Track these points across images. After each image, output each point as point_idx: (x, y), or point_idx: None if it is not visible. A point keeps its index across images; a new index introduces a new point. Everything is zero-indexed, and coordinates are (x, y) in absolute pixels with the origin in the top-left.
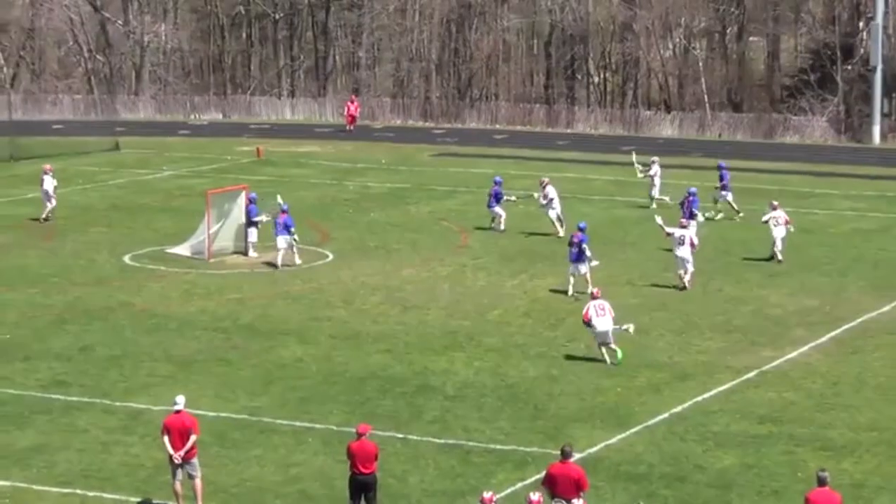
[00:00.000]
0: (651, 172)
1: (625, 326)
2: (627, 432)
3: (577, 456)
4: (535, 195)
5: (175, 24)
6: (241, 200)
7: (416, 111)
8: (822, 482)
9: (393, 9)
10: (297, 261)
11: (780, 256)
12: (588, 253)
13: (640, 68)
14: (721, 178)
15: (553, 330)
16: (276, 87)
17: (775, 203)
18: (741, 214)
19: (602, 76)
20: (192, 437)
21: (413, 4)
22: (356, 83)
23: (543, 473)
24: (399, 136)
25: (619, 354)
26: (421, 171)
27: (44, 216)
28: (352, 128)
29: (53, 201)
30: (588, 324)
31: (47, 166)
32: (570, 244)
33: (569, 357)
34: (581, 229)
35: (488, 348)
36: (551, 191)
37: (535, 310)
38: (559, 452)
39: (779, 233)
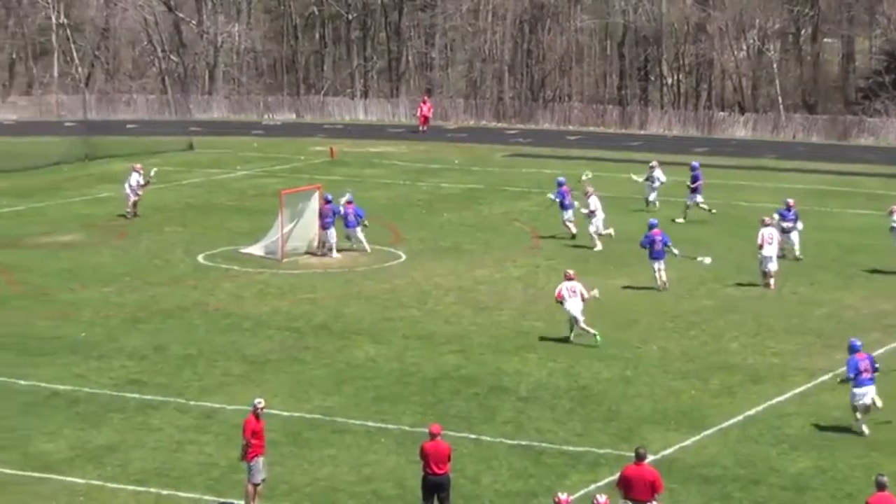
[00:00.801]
0: (654, 176)
1: (592, 292)
2: (701, 434)
3: (650, 458)
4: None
5: (248, 24)
6: (314, 201)
7: (489, 112)
8: (881, 487)
9: (466, 9)
10: (367, 248)
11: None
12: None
13: (713, 69)
14: (693, 180)
15: (625, 331)
16: (349, 87)
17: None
18: (714, 211)
19: (675, 77)
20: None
21: (486, 5)
22: (429, 84)
23: (617, 475)
24: (472, 136)
25: (598, 338)
26: (494, 171)
27: (127, 211)
28: (425, 128)
29: (138, 193)
30: (560, 303)
31: (137, 165)
32: (652, 242)
33: (642, 359)
34: (654, 226)
35: (561, 350)
36: (595, 202)
37: (607, 311)
38: (633, 454)
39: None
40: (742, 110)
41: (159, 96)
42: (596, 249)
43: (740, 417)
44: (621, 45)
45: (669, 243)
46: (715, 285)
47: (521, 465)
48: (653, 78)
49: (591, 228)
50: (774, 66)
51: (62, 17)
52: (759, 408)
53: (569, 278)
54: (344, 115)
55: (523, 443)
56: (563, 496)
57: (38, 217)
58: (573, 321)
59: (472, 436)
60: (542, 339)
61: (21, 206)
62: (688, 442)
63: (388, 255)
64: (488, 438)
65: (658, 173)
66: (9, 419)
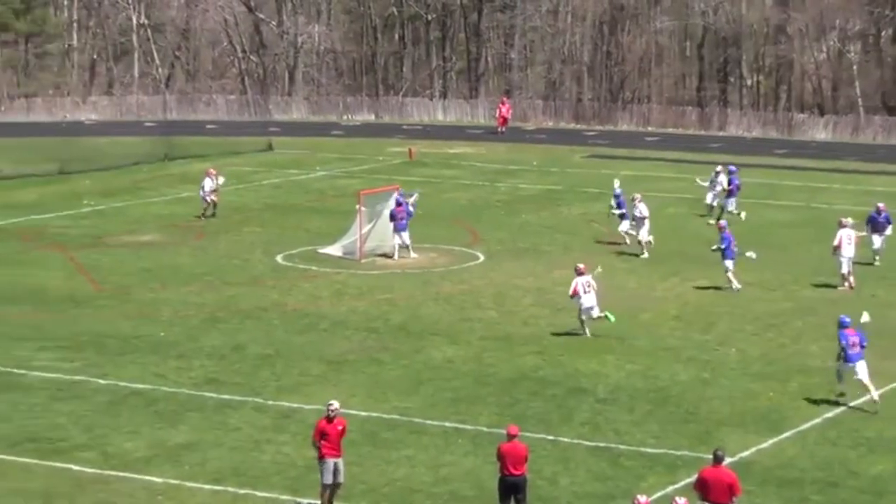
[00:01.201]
0: (717, 181)
1: (597, 269)
2: (779, 437)
3: (728, 460)
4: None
5: (328, 25)
6: (393, 202)
7: (568, 113)
8: (718, 460)
9: (545, 10)
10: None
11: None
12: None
13: (793, 71)
14: (730, 183)
15: (704, 333)
16: (428, 88)
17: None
18: (743, 216)
19: (755, 79)
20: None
21: (566, 6)
22: (508, 85)
23: (695, 477)
24: (550, 137)
25: (612, 318)
26: (572, 172)
27: (200, 213)
28: (503, 129)
29: (210, 198)
30: (574, 297)
31: (211, 170)
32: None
33: (720, 361)
34: (724, 227)
35: (639, 351)
36: (644, 208)
37: (685, 313)
38: (711, 456)
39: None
40: (822, 112)
41: (239, 97)
42: (643, 257)
43: (819, 420)
44: (701, 46)
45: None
46: (794, 287)
47: (599, 467)
48: (732, 79)
49: (642, 236)
50: (854, 67)
51: (143, 17)
52: (838, 410)
53: (580, 273)
54: (423, 116)
55: (601, 444)
56: (641, 498)
57: (118, 217)
58: (587, 314)
59: (550, 437)
60: (619, 340)
61: (102, 205)
62: (766, 444)
63: (466, 255)
64: (566, 440)
65: (722, 178)
66: (89, 418)
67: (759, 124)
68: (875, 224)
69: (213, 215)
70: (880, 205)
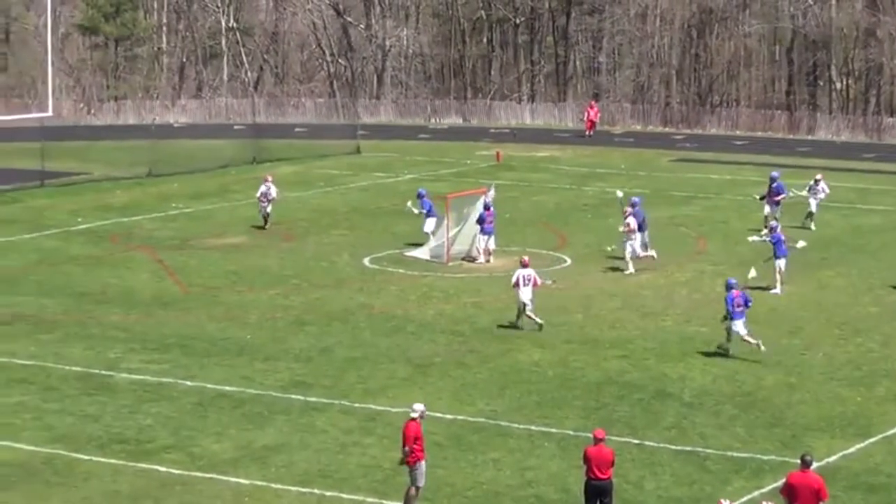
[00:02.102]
0: (818, 188)
1: (547, 280)
2: (866, 442)
3: (815, 465)
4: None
5: (416, 28)
6: (481, 205)
7: (656, 117)
8: (806, 465)
9: (634, 14)
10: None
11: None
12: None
13: (882, 75)
14: (777, 192)
15: (791, 338)
16: (515, 91)
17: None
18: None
19: (844, 82)
20: (406, 447)
21: (654, 9)
22: (596, 88)
23: (782, 482)
24: (638, 141)
25: (542, 326)
26: (660, 176)
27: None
28: (591, 133)
29: (262, 206)
30: (516, 288)
31: (268, 176)
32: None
33: (807, 365)
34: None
35: (725, 355)
36: (633, 221)
37: (772, 317)
38: (798, 461)
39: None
40: None
41: (327, 100)
42: (627, 273)
43: None
44: (790, 49)
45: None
46: (881, 292)
47: (685, 471)
48: (821, 83)
49: (627, 250)
50: None
51: (232, 21)
52: None
53: (524, 265)
54: (510, 120)
55: (687, 448)
56: (725, 502)
57: (206, 219)
58: (522, 308)
59: (636, 441)
60: (706, 344)
61: (190, 208)
62: (852, 449)
63: (553, 259)
64: (652, 444)
65: (823, 185)
66: (176, 419)
67: (847, 128)
68: None
69: (263, 227)
70: (774, 173)
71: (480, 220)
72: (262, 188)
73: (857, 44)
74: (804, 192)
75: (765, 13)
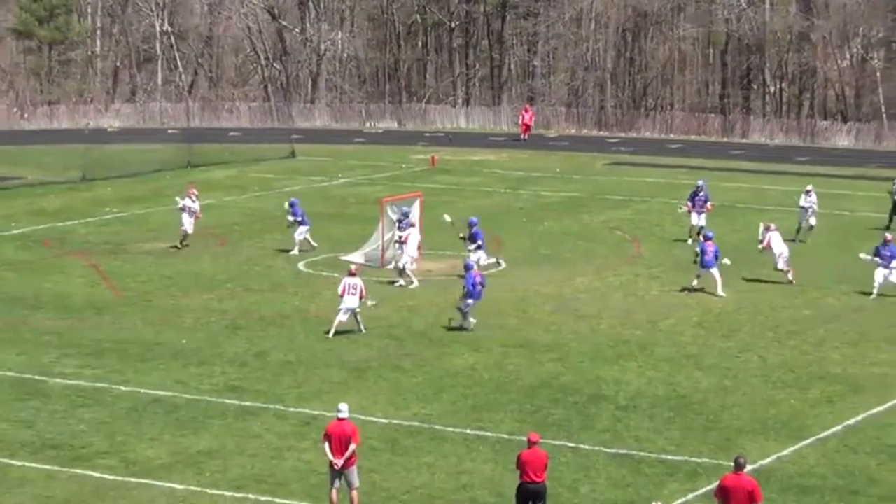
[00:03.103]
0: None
1: (370, 303)
2: (800, 444)
3: (749, 468)
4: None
5: (351, 32)
6: (416, 209)
7: (591, 120)
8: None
9: (568, 18)
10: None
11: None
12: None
13: (816, 78)
14: (704, 200)
15: (726, 341)
16: (450, 95)
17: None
18: (689, 241)
19: (778, 86)
20: (352, 446)
21: (589, 13)
22: (531, 92)
23: (716, 484)
24: (573, 144)
25: (364, 330)
26: (595, 179)
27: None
28: (526, 136)
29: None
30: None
31: (193, 189)
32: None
33: (742, 368)
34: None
35: (660, 358)
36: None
37: (707, 320)
38: (732, 464)
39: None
40: (845, 119)
41: (262, 104)
42: (412, 287)
43: (840, 427)
44: (724, 53)
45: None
46: (815, 294)
47: (619, 474)
48: (755, 86)
49: (401, 261)
50: (878, 74)
51: (166, 24)
52: (859, 418)
53: (351, 274)
54: (445, 123)
55: (622, 451)
56: None
57: (141, 223)
58: (345, 314)
59: (571, 444)
60: (641, 348)
61: (125, 212)
62: (786, 452)
63: (488, 263)
64: (587, 447)
65: (813, 197)
66: (110, 425)
67: (781, 131)
68: (881, 258)
69: (179, 247)
70: (888, 235)
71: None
72: (186, 201)
73: (791, 47)
74: (803, 204)
75: (699, 17)
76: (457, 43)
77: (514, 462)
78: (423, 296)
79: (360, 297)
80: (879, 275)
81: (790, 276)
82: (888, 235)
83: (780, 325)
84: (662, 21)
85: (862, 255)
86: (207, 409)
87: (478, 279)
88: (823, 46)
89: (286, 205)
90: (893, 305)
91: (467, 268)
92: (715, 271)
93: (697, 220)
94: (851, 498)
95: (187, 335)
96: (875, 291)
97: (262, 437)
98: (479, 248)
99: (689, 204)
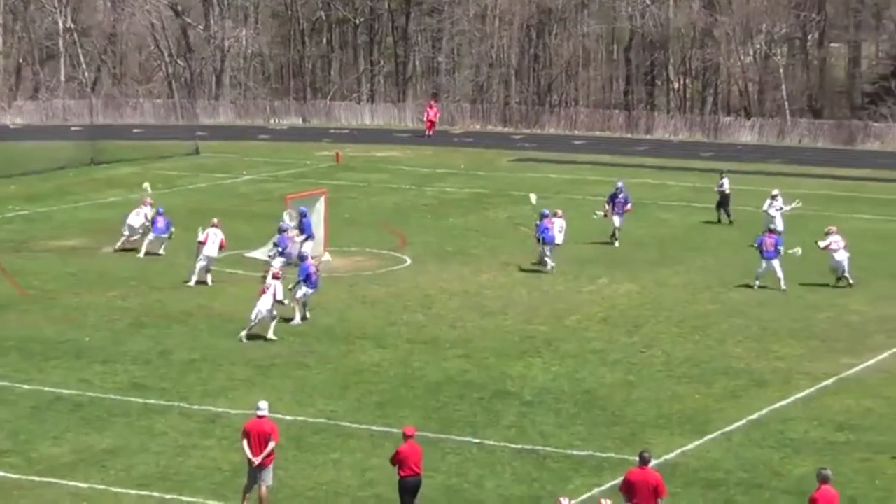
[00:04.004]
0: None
1: (285, 300)
2: (704, 439)
3: (654, 462)
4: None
5: (256, 28)
6: (321, 205)
7: (496, 116)
8: (824, 480)
9: (473, 14)
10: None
11: (850, 280)
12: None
13: (720, 74)
14: (624, 201)
15: (630, 336)
16: (355, 92)
17: (832, 228)
18: (616, 244)
19: (682, 82)
20: (271, 444)
21: (493, 10)
22: (436, 88)
23: (621, 479)
24: (478, 141)
25: (275, 337)
26: (500, 176)
27: (119, 246)
28: (431, 133)
29: (132, 233)
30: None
31: (148, 199)
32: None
33: (646, 363)
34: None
35: (565, 354)
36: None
37: (612, 316)
38: (637, 458)
39: (841, 257)
40: (748, 115)
41: (166, 101)
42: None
43: (744, 422)
44: (628, 49)
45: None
46: (719, 290)
47: (525, 470)
48: (659, 83)
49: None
50: (781, 70)
51: (69, 21)
52: (763, 412)
53: (275, 277)
54: (350, 120)
55: (527, 447)
56: (564, 501)
57: (44, 221)
58: (257, 315)
59: (476, 440)
60: (547, 343)
61: (27, 210)
62: (691, 446)
63: (393, 259)
64: (492, 443)
65: (780, 201)
66: (13, 423)
67: (685, 127)
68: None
69: (122, 249)
70: (619, 183)
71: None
72: (145, 209)
73: (695, 44)
74: (769, 211)
75: (603, 13)
76: (361, 39)
77: (391, 457)
78: (328, 293)
79: (274, 298)
80: (774, 266)
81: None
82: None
83: (684, 321)
84: (566, 18)
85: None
86: (111, 408)
87: (312, 269)
88: (727, 43)
89: (286, 217)
90: (796, 300)
91: (301, 258)
92: (776, 263)
93: (619, 221)
94: (756, 491)
95: (91, 333)
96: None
97: (167, 435)
98: (308, 238)
99: (609, 206)
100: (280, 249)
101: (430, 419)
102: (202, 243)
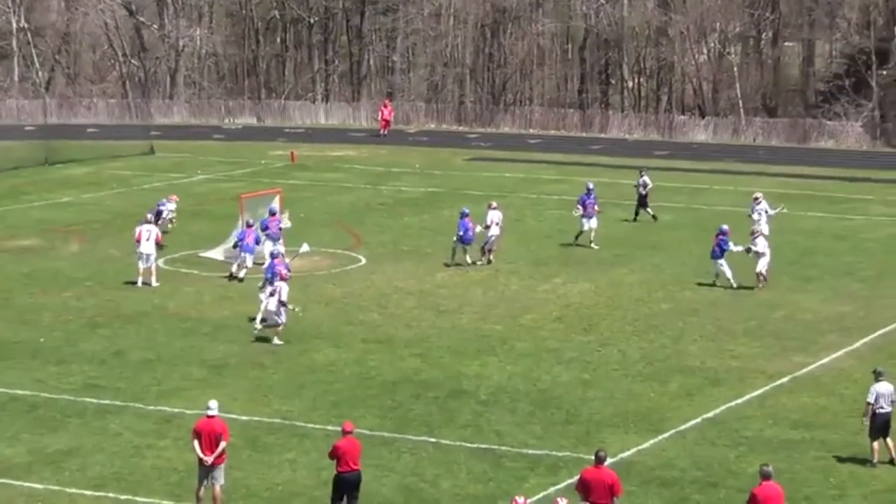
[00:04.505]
0: (759, 209)
1: (295, 308)
2: (660, 437)
3: (609, 461)
4: (479, 227)
5: (210, 28)
6: (276, 205)
7: (451, 116)
8: (766, 476)
9: (427, 13)
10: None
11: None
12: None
13: (674, 73)
14: (584, 203)
15: (586, 335)
16: (310, 91)
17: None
18: (594, 246)
19: (636, 81)
20: (222, 444)
21: (448, 9)
22: (390, 87)
23: (576, 478)
24: (433, 140)
25: (277, 340)
26: (455, 175)
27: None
28: (386, 132)
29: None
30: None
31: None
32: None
33: (601, 362)
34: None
35: (521, 353)
36: (496, 215)
37: (567, 314)
38: (592, 457)
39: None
40: (702, 114)
41: (120, 100)
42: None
43: (699, 420)
44: (582, 48)
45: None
46: (673, 288)
47: (481, 469)
48: (614, 81)
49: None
50: (735, 69)
51: (23, 21)
52: (718, 410)
53: (282, 278)
54: (305, 120)
55: (483, 446)
56: (520, 499)
57: None
58: (266, 317)
59: (432, 440)
60: (502, 342)
61: None
62: (646, 445)
63: (348, 258)
64: (448, 442)
65: (764, 204)
66: None
67: (640, 126)
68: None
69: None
70: (590, 184)
71: (265, 227)
72: (170, 205)
73: (649, 42)
74: (753, 215)
75: (558, 12)
76: (316, 39)
77: (329, 453)
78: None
79: (279, 301)
80: (719, 265)
81: None
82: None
83: (639, 319)
84: (521, 17)
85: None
86: (66, 408)
87: (279, 267)
88: (681, 41)
89: (285, 218)
90: (750, 299)
91: (272, 256)
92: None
93: (588, 223)
94: (711, 490)
95: (46, 333)
96: (728, 280)
97: (122, 436)
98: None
99: (581, 207)
100: (238, 240)
101: (385, 419)
102: (138, 241)
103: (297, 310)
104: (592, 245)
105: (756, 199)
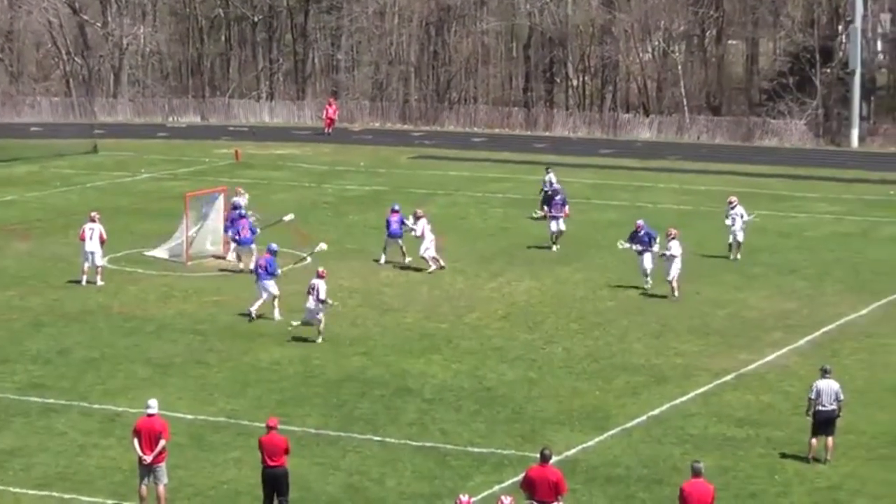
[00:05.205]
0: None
1: (335, 303)
2: (605, 435)
3: (554, 459)
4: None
5: (154, 26)
6: (220, 203)
7: (395, 114)
8: (696, 473)
9: (372, 11)
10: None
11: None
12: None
13: (618, 71)
14: (563, 203)
15: (531, 333)
16: (254, 90)
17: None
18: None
19: (581, 79)
20: (162, 442)
21: (392, 7)
22: (335, 86)
23: (521, 476)
24: (377, 138)
25: (320, 339)
26: (399, 173)
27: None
28: (330, 130)
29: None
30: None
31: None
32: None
33: (546, 360)
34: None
35: (466, 351)
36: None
37: (512, 313)
38: (537, 455)
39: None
40: (647, 112)
41: (63, 99)
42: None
43: (644, 418)
44: (527, 47)
45: None
46: (618, 287)
47: (426, 467)
48: (558, 80)
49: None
50: (679, 67)
51: None
52: (663, 408)
53: (320, 276)
54: (249, 118)
55: (428, 444)
56: (464, 498)
57: None
58: (306, 319)
59: (377, 438)
60: (447, 341)
61: None
62: (591, 442)
63: (293, 257)
64: (393, 440)
65: (739, 209)
66: None
67: (584, 124)
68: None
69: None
70: (556, 185)
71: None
72: (242, 200)
73: (593, 41)
74: (728, 220)
75: (502, 11)
76: (260, 37)
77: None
78: (228, 291)
79: (317, 300)
80: (647, 261)
81: None
82: (639, 222)
83: (584, 317)
84: (466, 15)
85: (620, 243)
86: (10, 408)
87: (261, 262)
88: (625, 40)
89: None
90: (695, 296)
91: (270, 250)
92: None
93: (562, 224)
94: (656, 487)
95: None
96: (648, 280)
97: (67, 435)
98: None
99: (546, 208)
100: (236, 234)
101: (330, 417)
102: (82, 239)
103: (335, 304)
104: (554, 247)
105: (731, 202)
